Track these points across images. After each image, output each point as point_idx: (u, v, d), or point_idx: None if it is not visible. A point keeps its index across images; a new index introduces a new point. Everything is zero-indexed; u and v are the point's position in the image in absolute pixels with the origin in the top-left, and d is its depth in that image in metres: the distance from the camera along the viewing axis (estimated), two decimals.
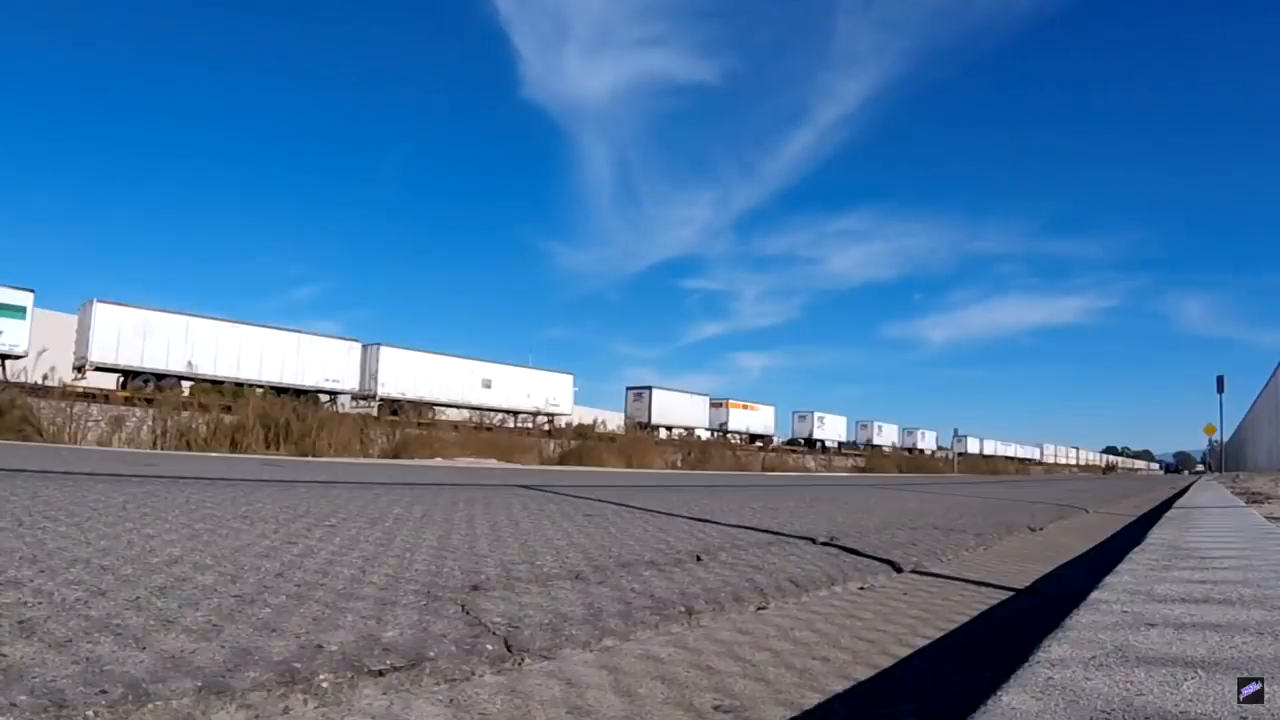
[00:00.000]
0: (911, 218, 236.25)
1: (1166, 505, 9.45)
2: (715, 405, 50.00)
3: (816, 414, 56.86)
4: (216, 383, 27.78)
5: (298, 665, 1.68)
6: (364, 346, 34.16)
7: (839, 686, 1.93)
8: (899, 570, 3.84)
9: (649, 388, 46.04)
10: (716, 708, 1.73)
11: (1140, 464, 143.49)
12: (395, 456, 18.24)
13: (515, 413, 37.54)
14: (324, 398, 30.18)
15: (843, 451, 53.10)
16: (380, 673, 1.70)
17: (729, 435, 47.22)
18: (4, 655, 1.59)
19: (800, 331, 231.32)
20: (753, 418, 52.23)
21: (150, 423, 15.78)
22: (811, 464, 40.80)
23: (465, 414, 33.71)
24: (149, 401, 18.73)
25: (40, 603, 2.00)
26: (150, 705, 1.41)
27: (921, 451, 62.56)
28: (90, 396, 18.41)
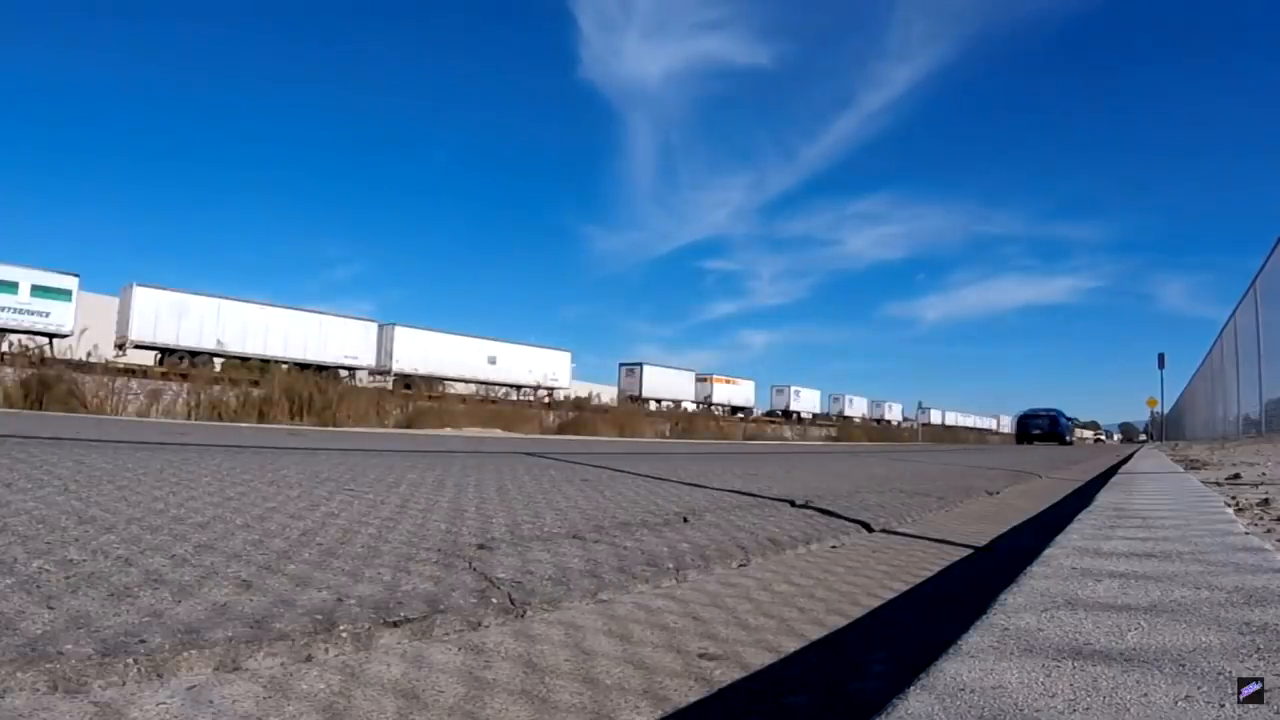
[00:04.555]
0: (928, 200, 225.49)
1: (1112, 471, 9.51)
2: (700, 380, 50.05)
3: (793, 388, 56.94)
4: (245, 359, 27.70)
5: (321, 616, 1.69)
6: (380, 326, 34.04)
7: (815, 634, 1.95)
8: (869, 530, 3.86)
9: (640, 364, 46.00)
10: (703, 654, 1.74)
11: (1088, 433, 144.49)
12: (408, 427, 18.21)
13: (518, 387, 37.58)
14: (343, 373, 30.09)
15: (816, 422, 53.19)
16: (396, 623, 1.71)
17: (713, 407, 47.27)
18: (53, 608, 1.59)
19: (806, 310, 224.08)
20: (735, 391, 52.30)
21: (185, 396, 15.72)
22: (788, 434, 40.90)
23: (472, 388, 33.74)
24: (184, 376, 18.72)
25: (88, 559, 2.00)
26: (184, 654, 1.42)
27: (889, 422, 62.61)
28: (130, 372, 18.31)
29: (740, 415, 46.95)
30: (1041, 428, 37.89)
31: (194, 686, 1.34)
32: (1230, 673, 1.13)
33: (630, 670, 1.61)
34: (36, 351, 18.73)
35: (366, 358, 32.88)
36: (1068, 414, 41.98)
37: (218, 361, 27.75)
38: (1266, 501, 4.06)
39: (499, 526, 3.05)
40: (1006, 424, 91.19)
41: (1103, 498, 4.35)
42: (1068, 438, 39.18)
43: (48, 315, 25.00)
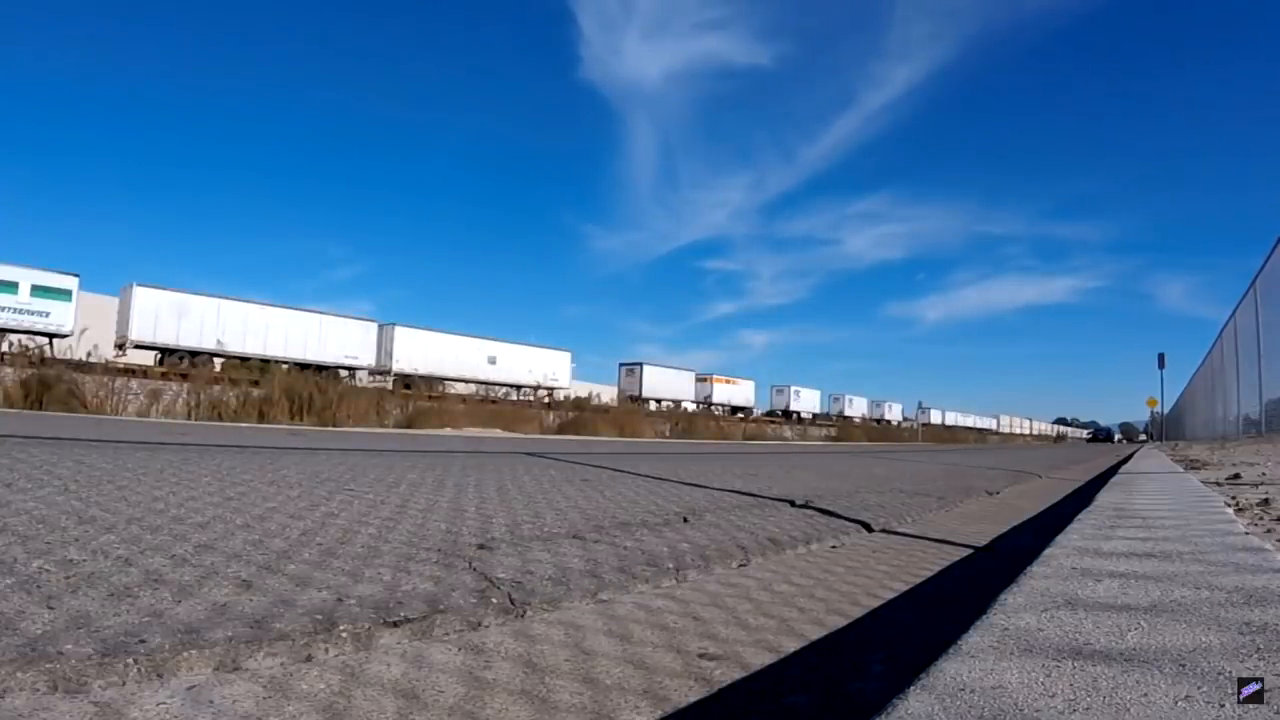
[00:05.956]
0: (928, 200, 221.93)
1: (1112, 471, 9.51)
2: (700, 380, 49.93)
3: (793, 388, 56.82)
4: (245, 359, 27.65)
5: (321, 616, 1.69)
6: (380, 326, 33.99)
7: (815, 634, 1.95)
8: (869, 530, 3.86)
9: (640, 364, 45.91)
10: (703, 654, 1.74)
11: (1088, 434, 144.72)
12: (409, 427, 18.21)
13: (518, 387, 37.49)
14: (343, 373, 30.07)
15: (816, 422, 53.12)
16: (396, 623, 1.71)
17: (713, 407, 47.20)
18: (53, 608, 1.59)
19: (806, 310, 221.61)
20: (734, 391, 52.19)
21: (185, 396, 15.71)
22: (788, 434, 40.88)
23: (472, 388, 33.71)
24: (184, 376, 18.71)
25: (88, 559, 2.00)
26: (184, 654, 1.42)
27: (889, 422, 62.51)
28: (130, 372, 18.31)
29: (740, 415, 46.89)
30: (1102, 434, 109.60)
31: (194, 686, 1.34)
32: (1230, 673, 1.13)
33: (630, 670, 1.61)
34: (36, 351, 18.73)
35: (366, 358, 32.83)
36: (1103, 423, 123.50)
37: (218, 361, 27.71)
38: (1266, 501, 4.06)
39: (499, 526, 3.05)
40: (1007, 424, 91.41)
41: (1103, 498, 4.35)
42: (1111, 440, 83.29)
43: (48, 315, 24.97)
